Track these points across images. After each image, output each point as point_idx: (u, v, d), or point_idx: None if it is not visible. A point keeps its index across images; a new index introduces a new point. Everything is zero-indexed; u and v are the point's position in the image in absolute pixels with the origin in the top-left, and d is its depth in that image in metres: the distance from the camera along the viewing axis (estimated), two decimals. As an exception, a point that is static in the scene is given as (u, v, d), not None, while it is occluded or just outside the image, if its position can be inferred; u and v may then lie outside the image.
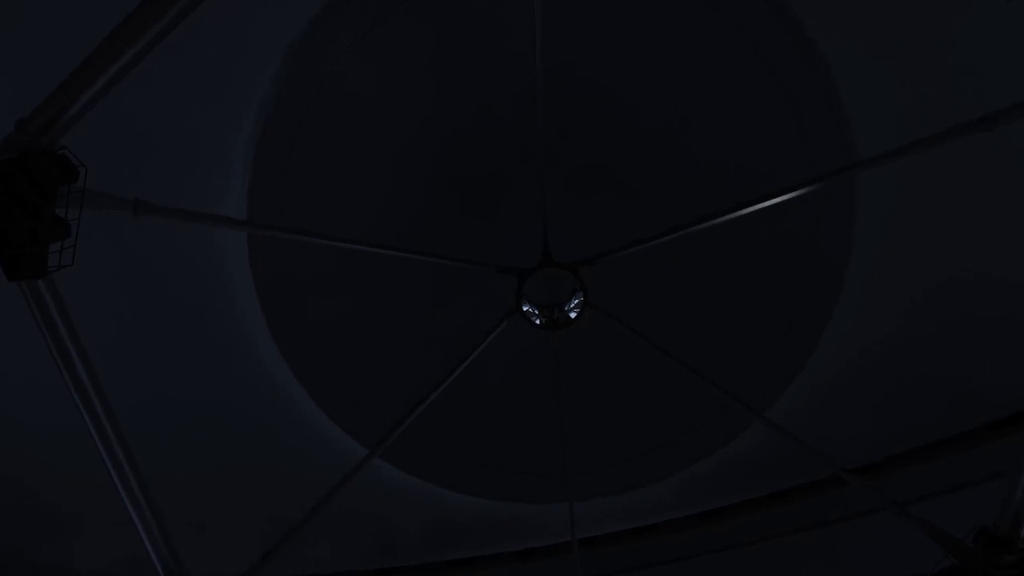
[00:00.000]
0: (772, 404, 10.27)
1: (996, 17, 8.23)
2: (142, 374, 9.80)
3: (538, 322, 8.60)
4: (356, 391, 10.71)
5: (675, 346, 8.23)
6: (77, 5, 7.15)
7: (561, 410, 8.22)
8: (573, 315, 8.53)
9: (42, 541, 10.53)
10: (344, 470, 8.68)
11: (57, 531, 10.43)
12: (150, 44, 5.87)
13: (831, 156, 9.22)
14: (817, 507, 10.79)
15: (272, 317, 10.11)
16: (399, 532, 11.58)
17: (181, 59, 8.18)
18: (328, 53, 8.76)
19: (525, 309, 8.53)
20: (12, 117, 5.75)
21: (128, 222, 6.57)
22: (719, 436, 10.65)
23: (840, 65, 8.99)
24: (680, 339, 8.70)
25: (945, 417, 10.15)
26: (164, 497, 10.50)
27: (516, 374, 10.36)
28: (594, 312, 8.45)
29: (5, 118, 5.77)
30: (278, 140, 9.11)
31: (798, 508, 10.85)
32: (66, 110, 5.84)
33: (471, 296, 10.08)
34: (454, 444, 11.00)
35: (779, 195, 6.93)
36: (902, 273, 9.73)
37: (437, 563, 11.79)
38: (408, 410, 8.44)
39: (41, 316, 6.06)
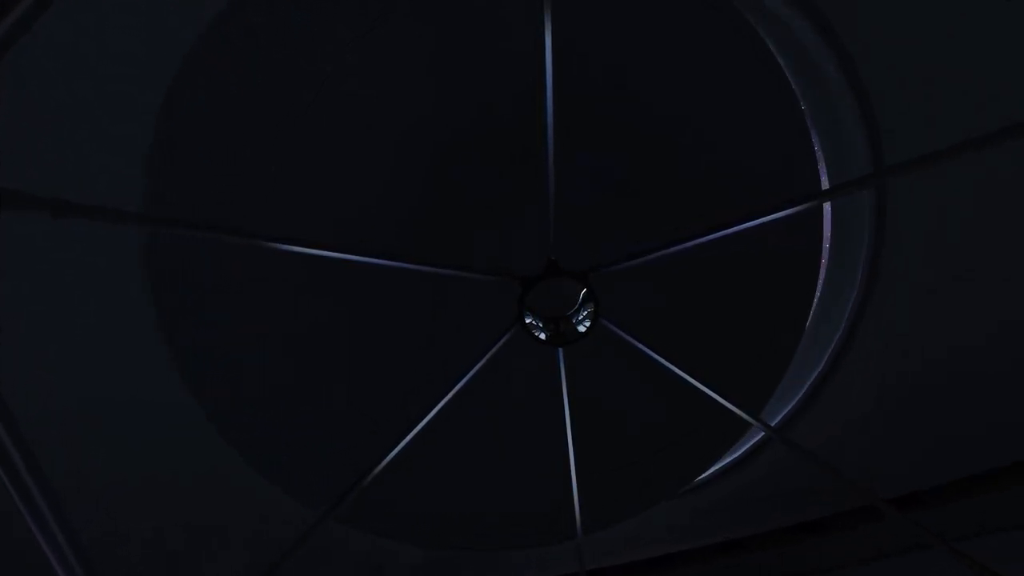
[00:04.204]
0: (795, 426, 10.07)
1: (996, 17, 8.26)
2: (130, 374, 9.65)
3: (543, 337, 7.73)
4: (350, 391, 10.58)
5: (681, 350, 8.06)
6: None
7: (571, 442, 7.79)
8: (582, 328, 7.59)
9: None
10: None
11: None
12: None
13: (832, 157, 9.25)
14: (845, 543, 10.43)
15: (265, 317, 9.96)
16: (388, 554, 11.36)
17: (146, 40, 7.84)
18: (327, 52, 8.63)
19: (528, 321, 7.70)
20: None
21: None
22: (722, 441, 10.57)
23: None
24: (687, 344, 8.58)
25: (985, 443, 9.99)
26: (155, 498, 10.39)
27: (516, 378, 10.25)
28: (604, 325, 7.66)
29: None
30: (277, 140, 8.97)
31: (823, 543, 10.47)
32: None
33: (473, 296, 9.97)
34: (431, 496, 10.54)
35: (810, 200, 6.70)
36: (926, 285, 9.66)
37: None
38: (363, 473, 7.53)
39: None
